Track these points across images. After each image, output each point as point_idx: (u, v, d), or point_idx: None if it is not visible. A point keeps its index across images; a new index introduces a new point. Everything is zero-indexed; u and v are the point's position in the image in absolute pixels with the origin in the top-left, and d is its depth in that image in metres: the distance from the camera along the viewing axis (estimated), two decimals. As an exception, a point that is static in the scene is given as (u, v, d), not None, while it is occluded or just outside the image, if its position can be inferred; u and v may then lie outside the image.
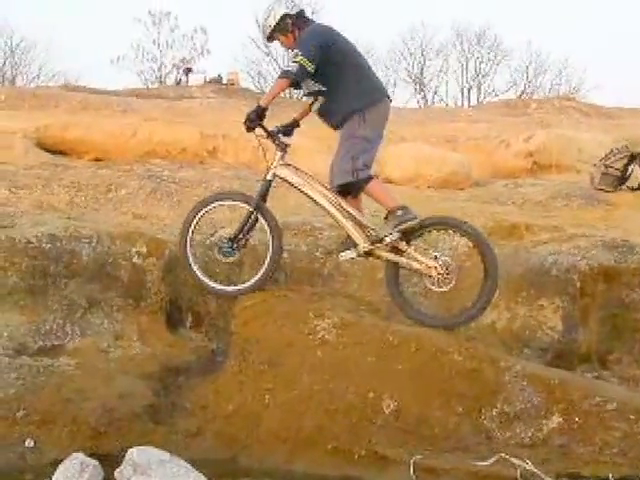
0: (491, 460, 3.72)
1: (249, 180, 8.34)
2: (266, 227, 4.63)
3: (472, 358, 4.14)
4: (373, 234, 4.46)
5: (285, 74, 4.40)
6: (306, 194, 4.60)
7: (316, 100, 4.60)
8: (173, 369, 4.88)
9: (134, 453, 3.37)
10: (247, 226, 4.66)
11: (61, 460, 3.50)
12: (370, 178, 4.45)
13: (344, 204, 4.52)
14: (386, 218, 4.45)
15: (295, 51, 4.42)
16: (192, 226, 4.77)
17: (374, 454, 3.92)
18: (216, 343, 5.31)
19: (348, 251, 4.53)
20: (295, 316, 4.49)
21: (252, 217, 4.63)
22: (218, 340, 5.31)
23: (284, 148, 4.60)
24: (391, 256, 4.47)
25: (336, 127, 4.58)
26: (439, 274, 4.36)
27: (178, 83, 24.57)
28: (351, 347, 4.26)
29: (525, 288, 5.35)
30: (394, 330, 4.31)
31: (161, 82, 29.90)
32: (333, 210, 4.53)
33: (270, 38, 4.68)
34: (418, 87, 35.54)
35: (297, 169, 4.63)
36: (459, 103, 33.83)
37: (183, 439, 4.21)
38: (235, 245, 4.67)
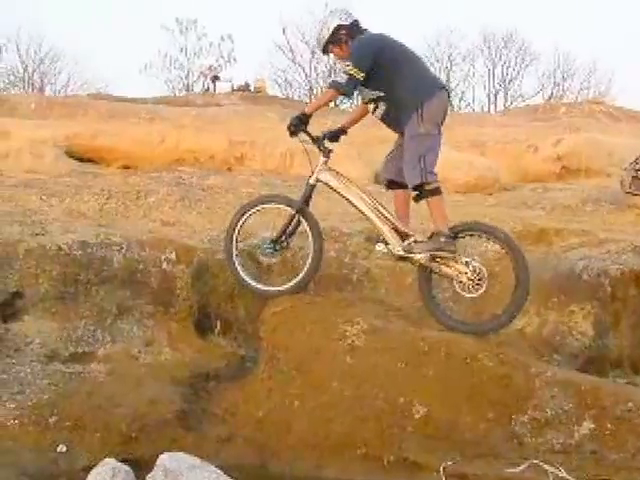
0: (523, 466, 3.68)
1: (277, 186, 8.38)
2: (308, 230, 4.72)
3: (503, 364, 4.11)
4: (406, 243, 4.47)
5: (334, 85, 4.47)
6: (345, 198, 4.71)
7: (377, 107, 4.62)
8: (203, 375, 4.91)
9: (165, 458, 3.38)
10: (289, 229, 4.76)
11: (93, 465, 3.53)
12: (439, 192, 4.44)
13: (381, 208, 4.61)
14: (430, 237, 4.47)
15: (346, 62, 4.47)
16: (237, 229, 4.89)
17: (404, 460, 3.90)
18: (245, 349, 5.33)
19: (384, 245, 4.57)
20: (324, 322, 4.50)
21: (294, 220, 4.73)
22: (247, 346, 5.33)
23: (327, 153, 4.69)
24: (423, 260, 4.47)
25: (399, 130, 4.61)
26: (470, 280, 4.36)
27: (206, 91, 24.74)
28: (381, 353, 4.25)
29: (555, 293, 5.28)
30: (424, 336, 4.30)
31: (188, 90, 30.14)
32: (370, 213, 4.62)
33: (325, 50, 4.73)
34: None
35: (338, 173, 4.72)
36: (486, 108, 33.60)
37: (213, 445, 4.23)
38: (277, 246, 4.79)
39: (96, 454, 3.92)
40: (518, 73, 34.35)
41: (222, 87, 23.54)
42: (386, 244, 4.55)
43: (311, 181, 4.71)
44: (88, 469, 3.52)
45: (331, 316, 4.54)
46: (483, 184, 9.25)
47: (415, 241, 4.47)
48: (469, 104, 34.81)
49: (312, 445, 4.08)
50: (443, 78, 32.62)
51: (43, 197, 7.06)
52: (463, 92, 35.06)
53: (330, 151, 4.70)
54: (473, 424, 3.96)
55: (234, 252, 4.90)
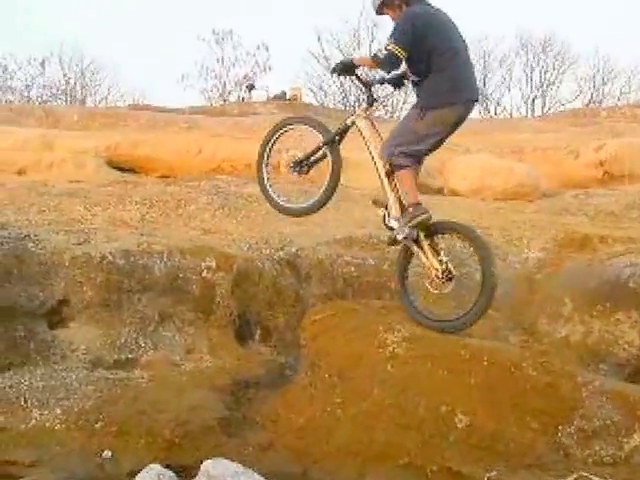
0: (570, 478, 3.61)
1: (315, 194, 8.37)
2: (330, 165, 4.69)
3: (547, 373, 4.05)
4: (397, 228, 4.47)
5: (374, 57, 4.40)
6: (370, 152, 4.65)
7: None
8: (243, 382, 4.93)
9: (209, 465, 3.42)
10: (313, 158, 4.81)
11: (138, 471, 3.57)
12: (406, 165, 4.45)
13: (395, 179, 4.57)
14: (402, 214, 4.48)
15: (388, 37, 4.38)
16: (272, 141, 4.96)
17: (447, 470, 3.85)
18: (284, 357, 5.34)
19: (385, 210, 4.61)
20: (364, 330, 4.49)
21: (321, 151, 4.75)
22: (286, 354, 5.34)
23: (372, 102, 4.69)
24: (407, 241, 4.48)
25: None
26: (437, 277, 4.38)
27: (242, 100, 24.96)
28: (422, 361, 4.21)
29: (600, 301, 5.18)
30: (465, 344, 4.25)
31: (224, 99, 30.40)
32: (384, 176, 4.58)
33: (379, 12, 4.62)
34: (481, 98, 34.88)
35: (373, 125, 4.69)
36: (523, 113, 33.17)
37: (255, 452, 4.24)
38: (297, 168, 4.87)
39: (141, 459, 3.97)
40: (556, 78, 33.88)
41: (258, 95, 23.73)
42: (387, 210, 4.57)
43: (348, 121, 4.69)
44: (133, 474, 3.57)
45: (371, 324, 4.53)
46: (523, 191, 9.11)
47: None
48: (505, 109, 34.44)
49: (354, 453, 4.06)
50: (479, 83, 32.30)
51: (87, 206, 7.17)
52: (500, 97, 34.73)
53: (375, 100, 4.70)
54: (518, 434, 3.89)
55: (264, 166, 4.98)
